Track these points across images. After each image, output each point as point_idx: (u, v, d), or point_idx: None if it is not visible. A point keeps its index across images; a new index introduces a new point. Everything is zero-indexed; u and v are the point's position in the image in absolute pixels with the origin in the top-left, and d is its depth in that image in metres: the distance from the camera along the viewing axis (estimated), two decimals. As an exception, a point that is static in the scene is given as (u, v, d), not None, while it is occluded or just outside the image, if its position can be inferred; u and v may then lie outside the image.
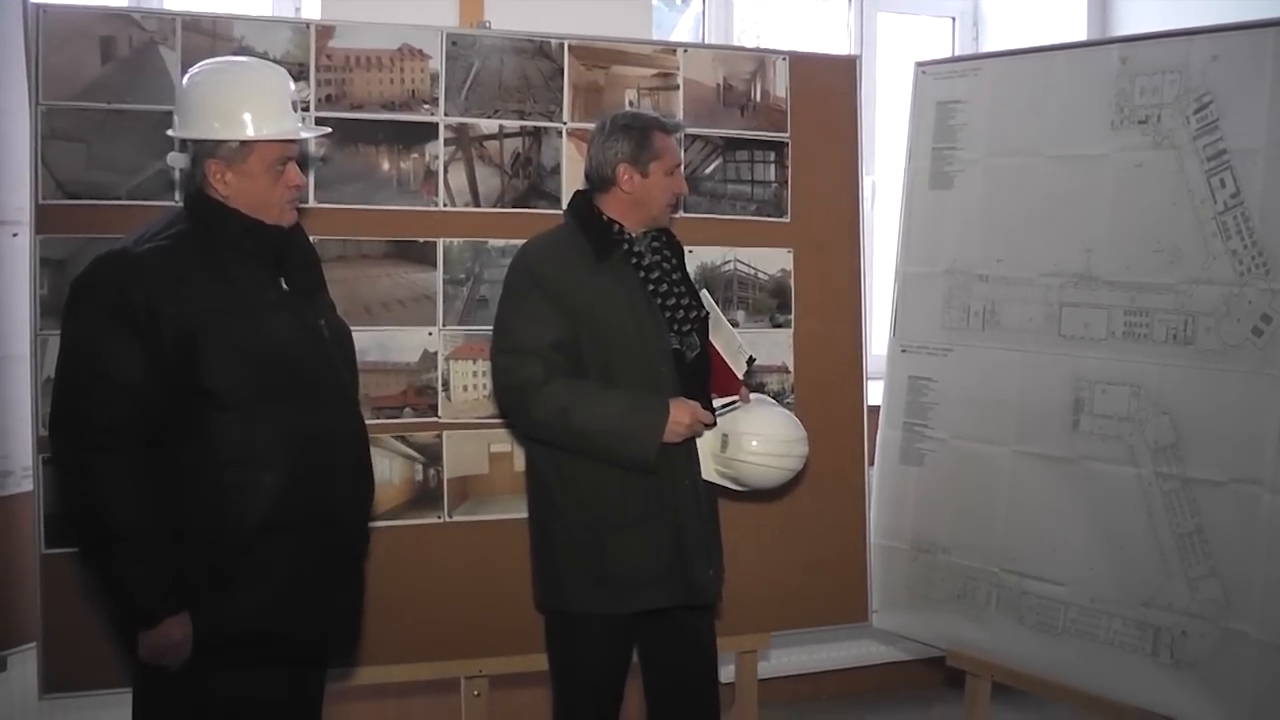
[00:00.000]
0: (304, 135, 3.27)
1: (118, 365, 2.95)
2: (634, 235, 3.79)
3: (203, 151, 3.12)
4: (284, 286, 3.21)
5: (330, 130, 3.55)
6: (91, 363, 2.97)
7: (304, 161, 4.04)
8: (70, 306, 3.05)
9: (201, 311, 3.01)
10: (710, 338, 3.90)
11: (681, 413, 3.64)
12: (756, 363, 4.25)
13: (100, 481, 2.94)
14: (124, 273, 2.99)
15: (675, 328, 3.77)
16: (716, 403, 3.86)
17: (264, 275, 3.16)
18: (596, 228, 3.76)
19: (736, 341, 3.97)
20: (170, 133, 3.21)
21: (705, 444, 3.84)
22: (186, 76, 3.23)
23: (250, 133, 3.10)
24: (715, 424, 3.81)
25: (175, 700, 3.13)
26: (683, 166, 3.94)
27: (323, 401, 3.19)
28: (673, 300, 3.77)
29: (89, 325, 2.99)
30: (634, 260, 3.76)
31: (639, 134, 3.75)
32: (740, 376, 3.97)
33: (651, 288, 3.75)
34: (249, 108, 3.11)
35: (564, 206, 4.19)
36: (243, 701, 3.13)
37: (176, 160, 3.27)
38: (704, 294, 3.98)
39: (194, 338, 2.99)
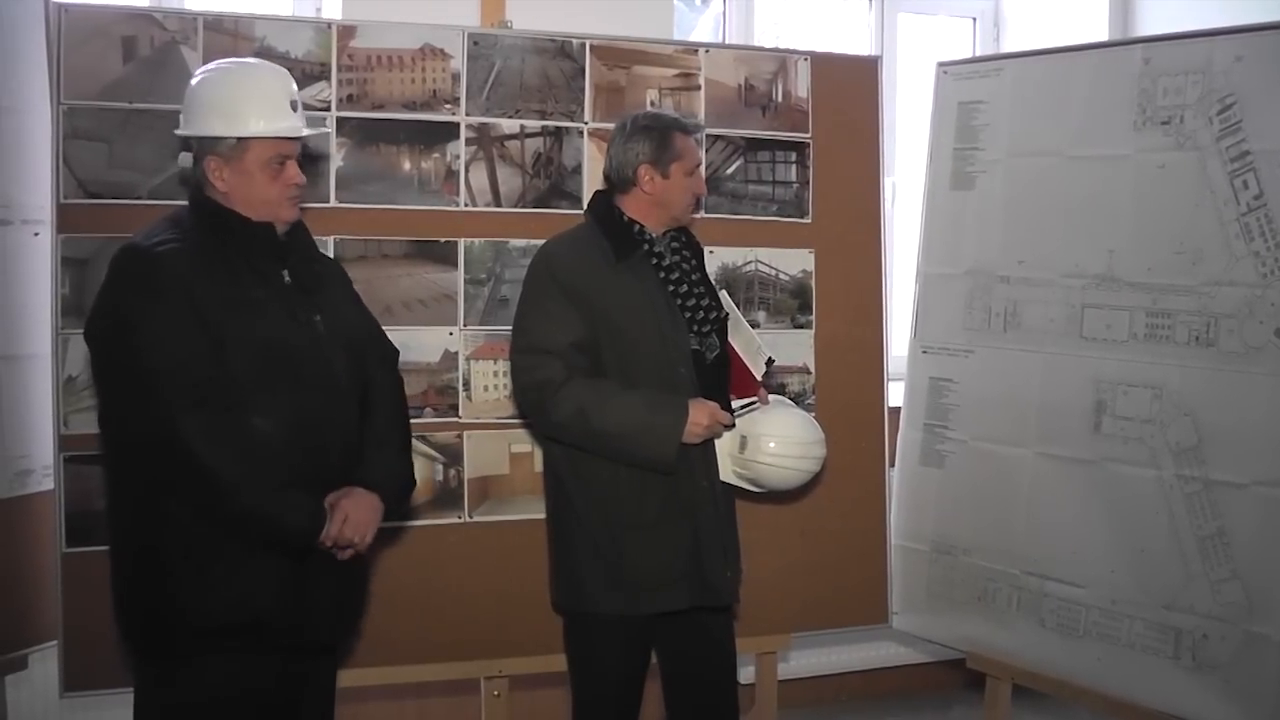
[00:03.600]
0: (298, 134, 3.28)
1: (183, 337, 3.02)
2: (654, 236, 3.79)
3: (203, 149, 3.20)
4: (287, 280, 3.24)
5: (327, 130, 3.51)
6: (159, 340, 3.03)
7: (323, 161, 4.06)
8: (112, 300, 3.09)
9: (213, 307, 3.06)
10: (729, 339, 3.90)
11: (700, 414, 3.64)
12: (777, 364, 4.24)
13: (193, 436, 2.98)
14: (158, 267, 3.05)
15: (695, 329, 3.76)
16: (735, 404, 3.86)
17: (267, 270, 3.21)
18: (617, 228, 3.76)
19: (756, 343, 3.97)
20: (176, 132, 3.30)
21: (723, 445, 3.83)
22: (194, 77, 3.30)
23: (245, 130, 3.16)
24: (734, 425, 3.80)
25: (169, 690, 3.16)
26: (702, 167, 3.93)
27: (314, 393, 3.20)
28: (692, 301, 3.77)
29: (144, 310, 3.03)
30: (654, 261, 3.76)
31: (660, 135, 3.75)
32: (759, 378, 3.97)
33: (671, 288, 3.75)
34: (246, 105, 3.18)
35: (585, 207, 4.19)
36: (233, 690, 3.15)
37: (186, 159, 3.34)
38: (723, 295, 3.98)
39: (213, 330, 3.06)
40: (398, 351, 3.64)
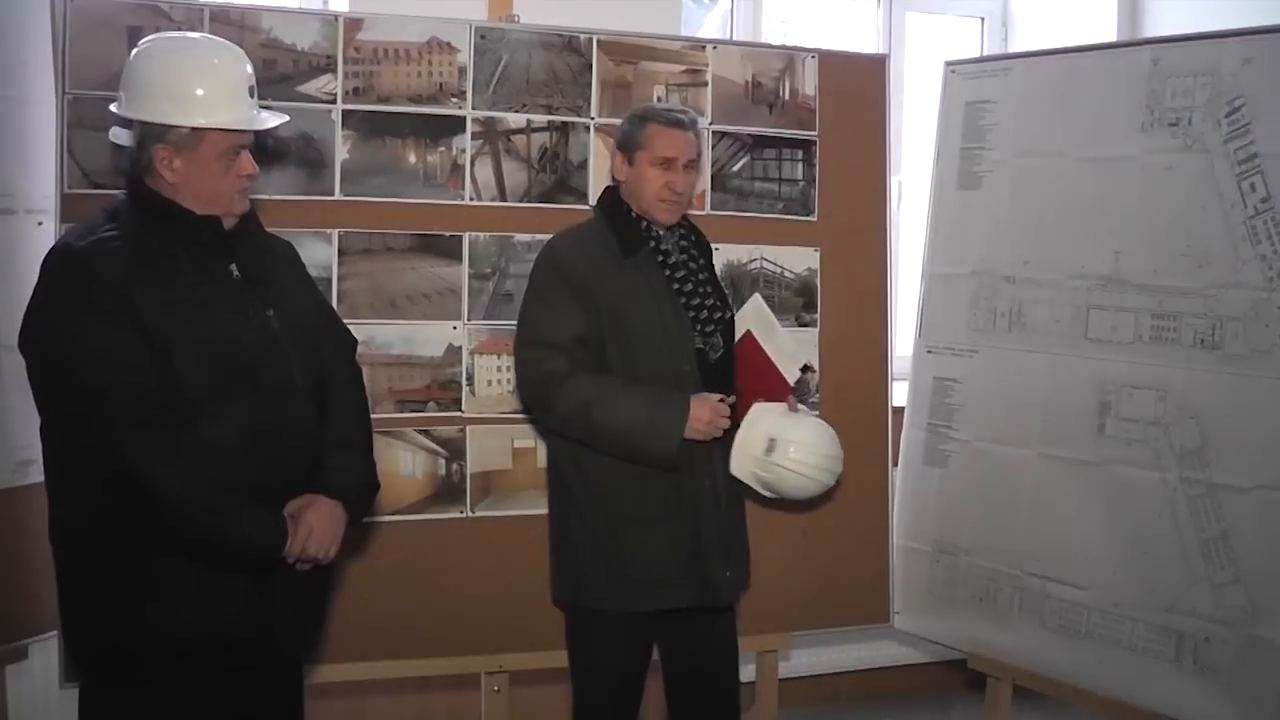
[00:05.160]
0: (259, 126, 3.11)
1: (123, 351, 2.85)
2: (662, 233, 3.78)
3: (150, 135, 2.98)
4: (235, 274, 3.07)
5: (287, 119, 3.36)
6: (97, 352, 2.85)
7: (328, 154, 4.05)
8: (45, 310, 2.93)
9: (156, 311, 2.89)
10: (761, 341, 3.85)
11: (702, 409, 3.62)
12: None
13: (143, 460, 2.83)
14: (94, 275, 2.87)
15: (699, 328, 3.76)
16: (758, 405, 3.82)
17: (214, 265, 3.04)
18: (624, 224, 3.76)
19: (791, 347, 3.91)
20: (114, 109, 3.09)
21: (748, 445, 3.79)
22: (135, 50, 3.08)
23: (203, 120, 2.97)
24: (736, 423, 3.78)
25: (122, 716, 3.04)
26: (689, 162, 3.81)
27: (270, 395, 3.05)
28: (697, 300, 3.76)
29: (79, 323, 2.87)
30: (660, 258, 3.76)
31: (636, 122, 3.77)
32: (792, 383, 3.91)
33: (676, 286, 3.74)
34: (202, 91, 2.98)
35: (591, 202, 4.19)
36: (193, 714, 3.03)
37: (118, 136, 3.11)
38: (756, 297, 3.93)
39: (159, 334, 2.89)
40: (355, 340, 3.51)
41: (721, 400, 3.69)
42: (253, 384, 3.01)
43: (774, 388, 3.91)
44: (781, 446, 3.79)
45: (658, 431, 3.60)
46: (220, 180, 3.03)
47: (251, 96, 3.10)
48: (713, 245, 4.09)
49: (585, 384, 3.62)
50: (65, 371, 2.87)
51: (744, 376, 3.96)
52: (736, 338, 3.97)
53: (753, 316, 3.96)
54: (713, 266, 3.98)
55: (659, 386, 3.67)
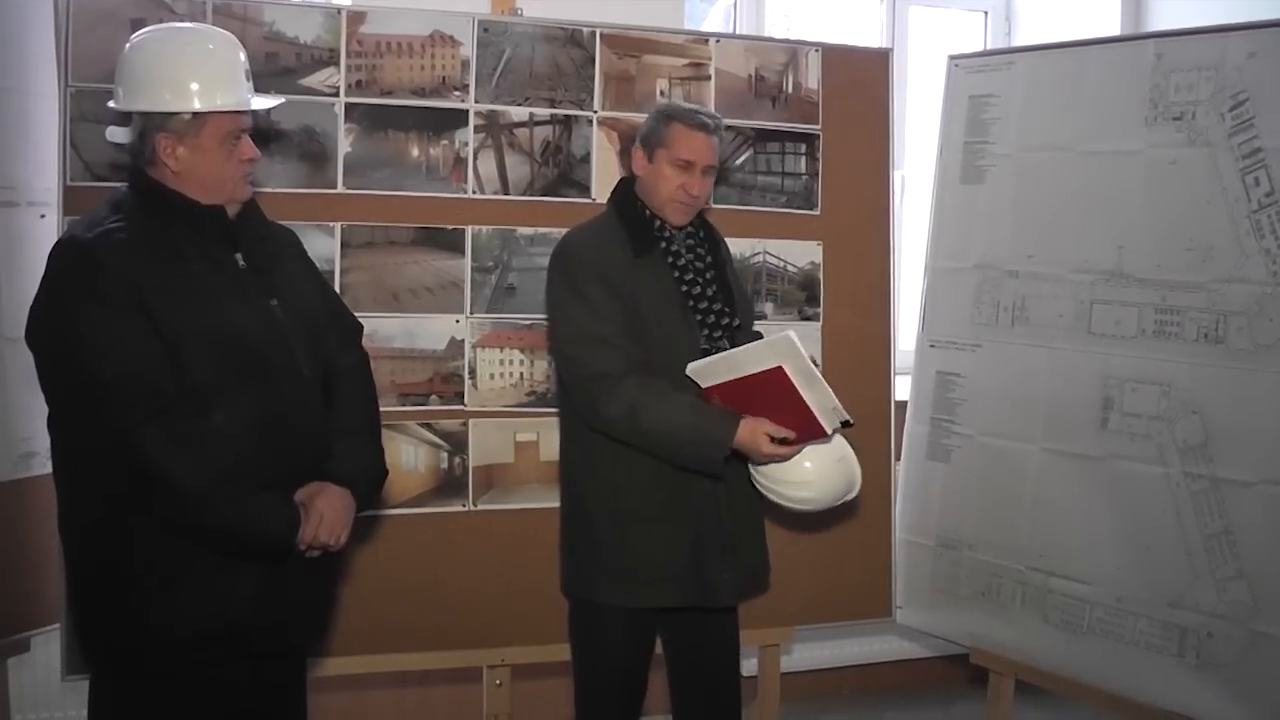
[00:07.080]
0: (258, 105, 3.13)
1: (133, 342, 2.85)
2: (672, 232, 3.74)
3: (151, 125, 2.98)
4: (241, 264, 3.07)
5: (284, 99, 3.43)
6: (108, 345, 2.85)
7: (331, 147, 4.05)
8: (53, 304, 2.92)
9: (164, 301, 2.89)
10: (799, 388, 3.62)
11: (756, 438, 3.52)
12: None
13: (155, 450, 2.83)
14: (102, 266, 2.86)
15: (706, 331, 3.71)
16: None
17: (219, 254, 3.04)
18: (637, 221, 3.72)
19: (831, 401, 3.55)
20: (113, 105, 3.08)
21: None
22: (129, 44, 3.07)
23: (205, 103, 2.97)
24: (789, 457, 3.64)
25: (132, 711, 3.04)
26: (708, 167, 3.72)
27: (278, 384, 3.05)
28: (704, 304, 3.71)
29: (88, 316, 2.86)
30: (670, 259, 3.72)
31: (661, 119, 3.69)
32: (829, 433, 3.65)
33: (685, 289, 3.70)
34: (200, 77, 2.98)
35: (593, 195, 4.19)
36: (202, 706, 3.04)
37: (116, 135, 3.10)
38: (790, 336, 3.64)
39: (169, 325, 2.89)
40: (360, 326, 3.50)
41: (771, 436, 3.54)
42: (261, 373, 3.02)
43: (804, 428, 3.66)
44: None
45: (702, 438, 3.54)
46: (224, 166, 3.03)
47: (247, 80, 3.10)
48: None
49: (633, 387, 3.55)
50: (76, 365, 2.86)
51: (778, 415, 3.58)
52: (763, 366, 3.54)
53: (788, 358, 3.50)
54: (726, 263, 3.92)
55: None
